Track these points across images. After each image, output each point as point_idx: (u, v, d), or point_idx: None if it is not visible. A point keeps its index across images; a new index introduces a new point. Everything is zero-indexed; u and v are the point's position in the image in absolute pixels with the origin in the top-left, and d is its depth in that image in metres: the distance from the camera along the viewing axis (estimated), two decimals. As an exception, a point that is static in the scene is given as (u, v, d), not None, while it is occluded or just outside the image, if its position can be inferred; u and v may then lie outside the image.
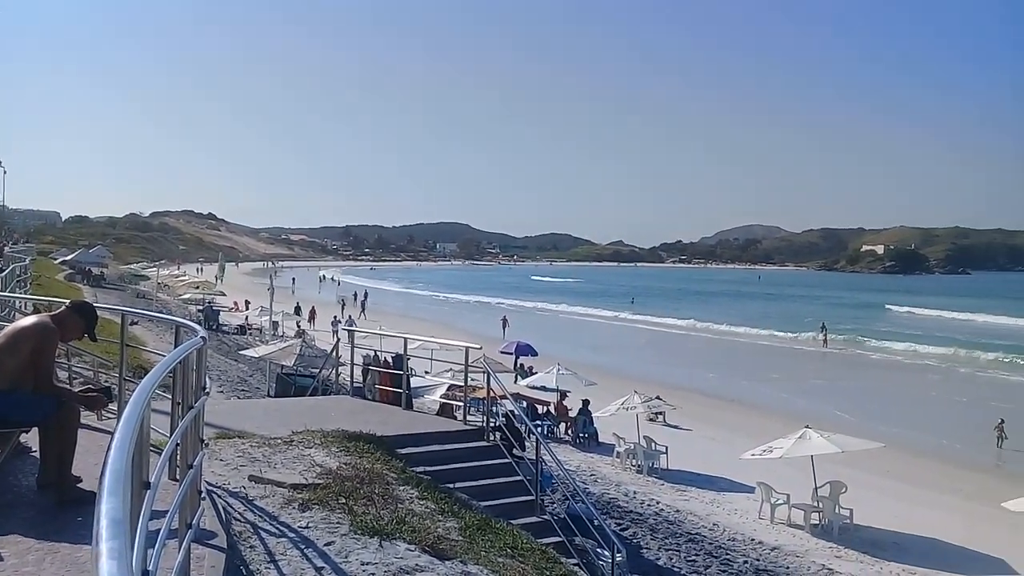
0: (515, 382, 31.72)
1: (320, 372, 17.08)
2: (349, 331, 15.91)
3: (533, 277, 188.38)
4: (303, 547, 6.22)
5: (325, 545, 6.33)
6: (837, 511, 17.71)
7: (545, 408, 27.28)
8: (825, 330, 62.57)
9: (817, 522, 17.68)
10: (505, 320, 62.69)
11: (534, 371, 33.78)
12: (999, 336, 72.68)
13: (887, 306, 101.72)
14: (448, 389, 20.57)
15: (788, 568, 14.72)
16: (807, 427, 18.51)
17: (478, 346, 13.44)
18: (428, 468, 10.15)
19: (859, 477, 20.80)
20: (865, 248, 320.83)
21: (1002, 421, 28.16)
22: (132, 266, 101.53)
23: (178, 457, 5.34)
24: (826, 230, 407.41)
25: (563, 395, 27.59)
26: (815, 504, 18.00)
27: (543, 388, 28.83)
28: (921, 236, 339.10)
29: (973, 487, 21.69)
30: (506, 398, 14.93)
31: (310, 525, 6.71)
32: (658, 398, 27.70)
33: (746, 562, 14.64)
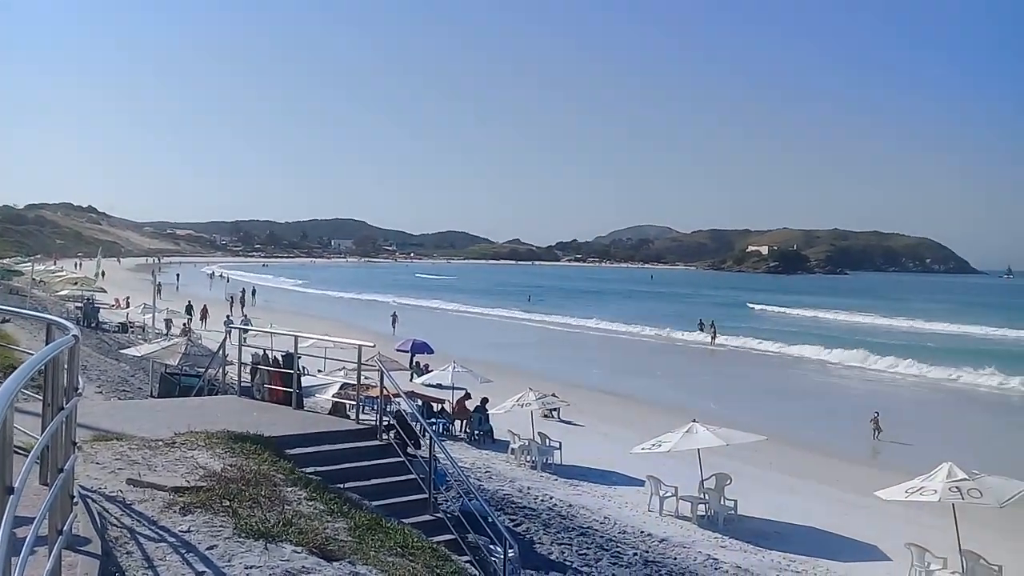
0: (411, 380, 31.54)
1: (206, 371, 16.54)
2: (237, 329, 15.46)
3: (418, 274, 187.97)
4: (183, 552, 6.00)
5: (207, 549, 6.13)
6: (722, 502, 18.32)
7: (440, 406, 27.22)
8: (714, 328, 64.91)
9: (703, 513, 18.24)
10: (395, 316, 62.50)
11: (430, 369, 33.64)
12: (870, 335, 76.87)
13: (749, 304, 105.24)
14: (341, 388, 20.29)
15: (675, 559, 15.12)
16: (694, 421, 19.06)
17: (371, 344, 13.29)
18: (319, 468, 9.97)
19: (744, 469, 21.59)
20: (751, 248, 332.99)
21: (877, 414, 29.68)
22: (5, 261, 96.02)
23: (48, 461, 5.08)
24: (714, 231, 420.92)
25: (467, 395, 27.57)
26: (701, 496, 18.56)
27: (439, 386, 28.76)
28: (803, 237, 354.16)
29: (849, 477, 22.77)
30: (399, 396, 14.80)
31: (191, 529, 6.49)
32: (553, 395, 27.97)
33: (635, 554, 14.97)
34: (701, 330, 65.97)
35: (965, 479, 14.19)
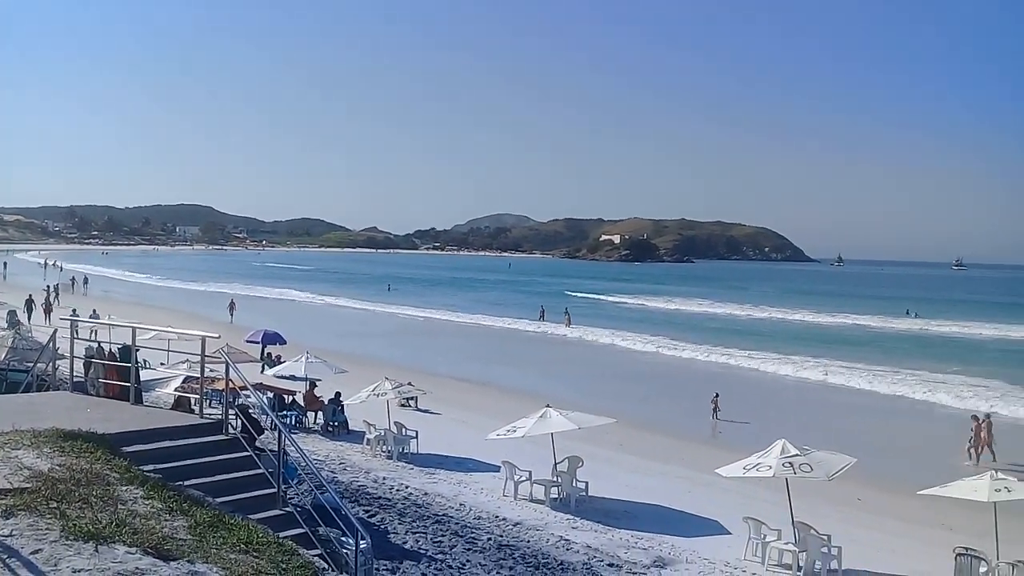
0: (262, 372, 30.61)
1: (34, 366, 15.45)
2: (70, 321, 14.50)
3: (269, 263, 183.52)
4: (5, 557, 5.62)
5: (31, 554, 5.74)
6: (574, 484, 18.78)
7: (291, 398, 26.56)
8: (568, 315, 66.68)
9: (556, 496, 18.64)
10: (232, 304, 61.09)
11: (282, 360, 32.76)
12: (709, 321, 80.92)
13: (566, 292, 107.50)
14: (184, 381, 19.41)
15: (529, 541, 15.38)
16: (548, 407, 19.42)
17: (216, 335, 12.77)
18: (158, 466, 9.52)
19: (595, 452, 22.21)
20: (604, 237, 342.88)
21: (717, 396, 31.21)
22: None
23: None
24: (570, 220, 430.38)
25: (313, 384, 26.99)
26: (554, 479, 18.96)
27: (292, 377, 28.05)
28: (653, 227, 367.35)
29: (692, 456, 23.83)
30: (246, 389, 14.31)
31: (14, 533, 6.07)
32: (409, 384, 27.83)
33: (490, 539, 15.13)
34: (542, 319, 67.76)
35: (797, 455, 15.11)
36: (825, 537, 15.21)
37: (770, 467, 14.94)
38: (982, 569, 14.43)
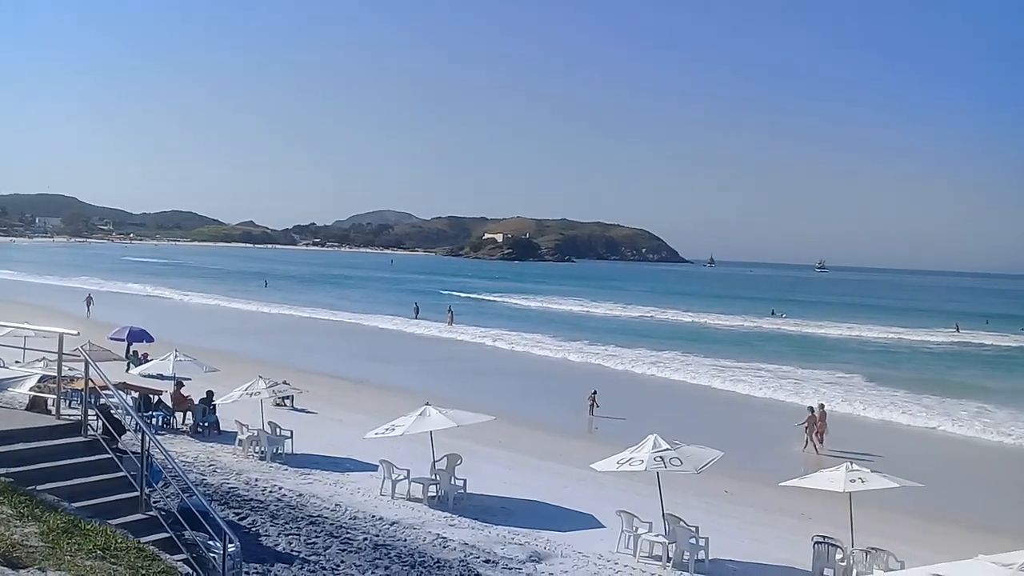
0: (127, 371, 29.28)
1: None
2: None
3: (135, 258, 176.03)
4: None
5: None
6: (453, 482, 18.77)
7: (158, 397, 25.48)
8: (451, 312, 66.80)
9: (434, 494, 18.58)
10: (89, 298, 58.65)
11: (149, 358, 31.40)
12: (587, 320, 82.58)
13: (449, 291, 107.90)
14: (40, 380, 18.30)
15: (405, 540, 15.28)
16: (428, 404, 19.32)
17: (75, 332, 12.08)
18: (10, 470, 8.98)
19: (474, 449, 22.27)
20: (487, 236, 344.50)
21: (594, 392, 31.86)
22: None
23: None
24: (453, 218, 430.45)
25: (180, 384, 25.96)
26: (433, 477, 18.89)
27: (159, 376, 26.92)
28: (535, 226, 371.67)
29: (570, 452, 24.20)
30: (108, 388, 13.62)
31: None
32: (285, 383, 27.15)
33: (366, 539, 14.94)
34: (416, 316, 67.77)
35: (668, 449, 15.57)
36: (694, 528, 15.74)
37: (642, 461, 15.33)
38: (838, 556, 15.25)
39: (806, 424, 27.72)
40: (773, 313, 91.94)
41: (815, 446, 27.24)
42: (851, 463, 15.93)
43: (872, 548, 15.16)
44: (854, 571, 14.78)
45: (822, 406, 29.20)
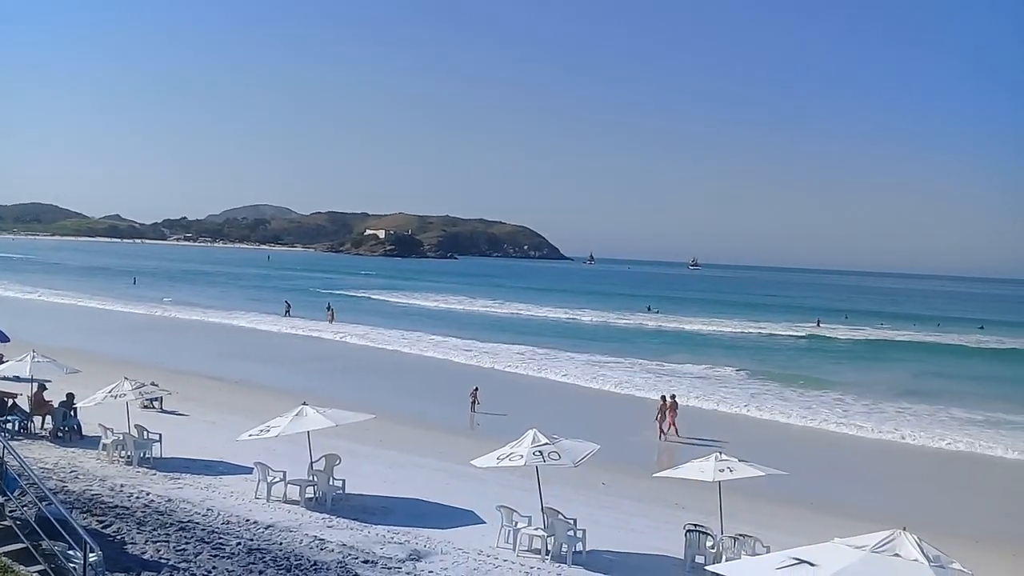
0: (-22, 373, 27.41)
1: None
2: None
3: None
4: None
5: None
6: (331, 483, 18.43)
7: (12, 401, 23.96)
8: (331, 310, 65.63)
9: (312, 496, 18.20)
10: None
11: (4, 360, 29.48)
12: (468, 316, 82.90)
13: (329, 288, 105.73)
14: None
15: (281, 544, 14.89)
16: (305, 404, 18.89)
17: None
18: None
19: (354, 448, 21.98)
20: (368, 232, 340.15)
21: (476, 389, 31.98)
22: None
23: None
24: (333, 213, 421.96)
25: (42, 387, 24.50)
26: (310, 478, 18.51)
27: (16, 379, 25.36)
28: (418, 223, 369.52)
29: (451, 449, 24.19)
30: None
31: None
32: (153, 384, 26.04)
33: (239, 543, 14.48)
34: (287, 314, 66.30)
35: (547, 443, 15.74)
36: (572, 521, 16.00)
37: (522, 456, 15.45)
38: (708, 543, 15.82)
39: (658, 414, 29.26)
40: (649, 309, 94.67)
41: (666, 433, 28.90)
42: (720, 453, 16.52)
43: (740, 534, 15.79)
44: (723, 557, 15.34)
45: (673, 396, 30.68)
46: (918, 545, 6.82)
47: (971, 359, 61.35)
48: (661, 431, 28.95)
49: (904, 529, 7.13)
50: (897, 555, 6.77)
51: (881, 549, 6.84)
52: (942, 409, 36.54)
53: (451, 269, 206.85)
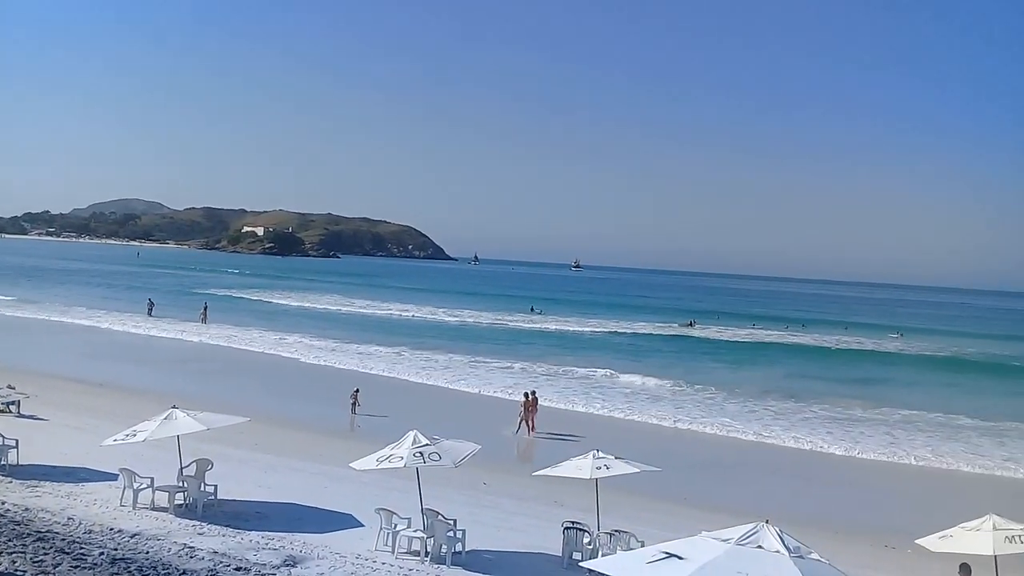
0: None
1: None
2: None
3: None
4: None
5: None
6: (202, 488, 17.81)
7: None
8: (205, 309, 63.30)
9: (181, 502, 17.54)
10: None
11: None
12: (349, 317, 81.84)
13: (195, 287, 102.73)
14: None
15: (148, 553, 14.28)
16: (174, 407, 18.18)
17: None
18: None
19: (228, 452, 21.38)
20: (247, 229, 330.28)
21: (357, 390, 31.57)
22: None
23: None
24: (209, 209, 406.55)
25: None
26: (180, 484, 17.82)
27: None
28: (299, 220, 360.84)
29: (330, 451, 23.77)
30: None
31: None
32: (10, 387, 24.59)
33: (102, 553, 13.80)
34: (150, 313, 63.64)
35: (427, 444, 15.67)
36: (451, 521, 16.00)
37: (402, 458, 15.34)
38: (585, 540, 16.13)
39: (521, 410, 29.98)
40: (532, 310, 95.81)
41: (528, 429, 29.65)
42: (598, 451, 16.86)
43: (616, 530, 16.16)
44: (599, 553, 15.66)
45: (534, 393, 31.38)
46: (779, 537, 7.16)
47: (833, 359, 64.82)
48: (529, 428, 29.66)
49: (767, 522, 7.47)
50: (760, 547, 7.08)
51: (745, 541, 7.14)
52: (805, 407, 38.48)
53: (333, 268, 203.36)
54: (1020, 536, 13.25)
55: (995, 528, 13.35)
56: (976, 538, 13.45)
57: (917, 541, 14.79)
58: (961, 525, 14.00)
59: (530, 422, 29.74)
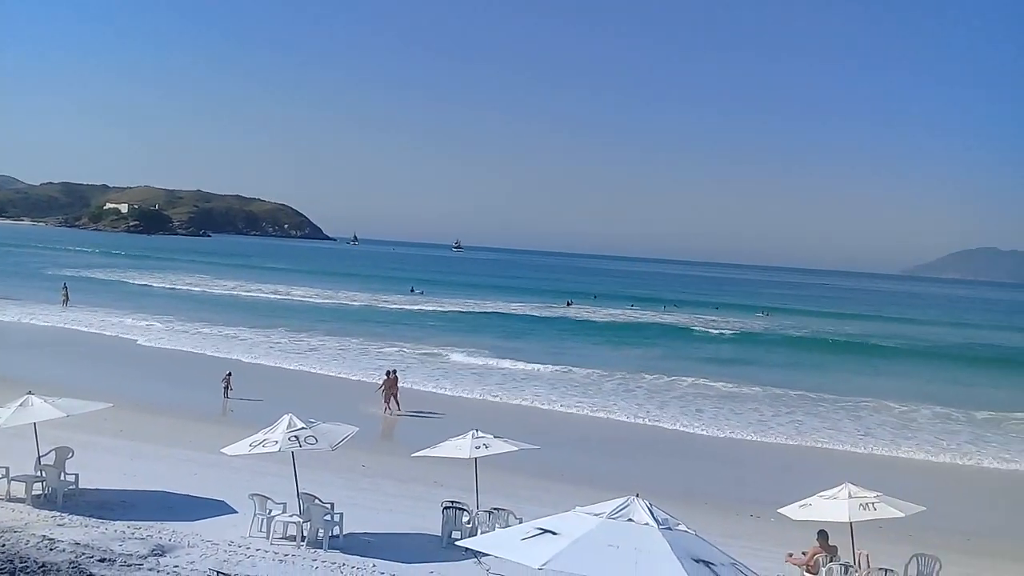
0: None
1: None
2: None
3: None
4: None
5: None
6: (62, 478, 16.92)
7: None
8: (65, 289, 59.73)
9: (40, 492, 16.62)
10: None
11: None
12: (217, 300, 79.39)
13: (51, 267, 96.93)
14: None
15: (4, 546, 13.46)
16: (30, 393, 17.17)
17: None
18: None
19: (90, 440, 20.44)
20: (109, 206, 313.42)
21: (229, 374, 30.71)
22: None
23: None
24: (67, 184, 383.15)
25: None
26: (38, 474, 16.88)
27: None
28: (166, 197, 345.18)
29: (201, 437, 23.00)
30: None
31: None
32: None
33: (-49, 550, 12.96)
34: None
35: (303, 428, 15.38)
36: (329, 505, 15.78)
37: (276, 442, 15.01)
38: (464, 519, 16.25)
39: (382, 388, 30.29)
40: (412, 291, 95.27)
41: (390, 407, 29.96)
42: (477, 431, 16.97)
43: (495, 508, 16.35)
44: (479, 531, 15.82)
45: (395, 371, 31.67)
46: (649, 510, 7.40)
47: (703, 339, 67.33)
48: (387, 406, 29.87)
49: (637, 495, 7.70)
50: (631, 520, 7.30)
51: (617, 515, 7.35)
52: (677, 385, 39.92)
53: (203, 248, 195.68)
54: (873, 503, 14.20)
55: (850, 496, 14.27)
56: (833, 506, 14.34)
57: (779, 510, 15.62)
58: (819, 494, 14.87)
59: (392, 400, 29.93)
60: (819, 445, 29.37)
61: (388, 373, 31.15)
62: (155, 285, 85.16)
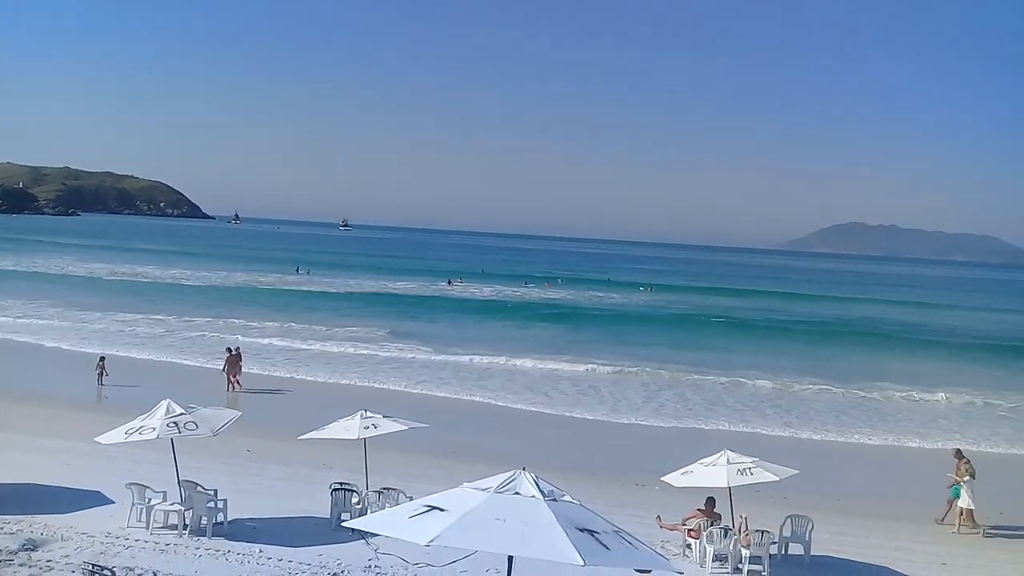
0: None
1: None
2: None
3: None
4: None
5: None
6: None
7: None
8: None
9: None
10: None
11: None
12: (92, 281, 75.87)
13: None
14: None
15: None
16: None
17: None
18: None
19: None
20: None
21: (102, 359, 29.44)
22: None
23: None
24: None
25: None
26: None
27: None
28: (31, 175, 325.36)
29: (73, 426, 21.97)
30: None
31: None
32: None
33: None
34: None
35: (182, 414, 14.87)
36: (212, 492, 15.38)
37: (154, 429, 14.49)
38: (354, 500, 16.13)
39: (225, 365, 30.04)
40: (298, 271, 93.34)
41: (234, 385, 29.75)
42: (365, 411, 16.83)
43: (385, 488, 16.32)
44: (368, 511, 15.74)
45: (238, 348, 31.34)
46: (535, 483, 7.53)
47: (587, 315, 68.41)
48: (229, 382, 29.59)
49: (524, 469, 7.82)
50: (518, 493, 7.41)
51: (504, 489, 7.44)
52: (565, 363, 40.29)
53: (72, 228, 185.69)
54: (751, 468, 14.91)
55: (729, 462, 14.93)
56: (713, 472, 14.98)
57: (662, 478, 16.18)
58: (700, 461, 15.49)
59: (234, 377, 29.63)
60: (700, 426, 29.20)
61: (230, 350, 30.57)
62: (19, 268, 79.63)
